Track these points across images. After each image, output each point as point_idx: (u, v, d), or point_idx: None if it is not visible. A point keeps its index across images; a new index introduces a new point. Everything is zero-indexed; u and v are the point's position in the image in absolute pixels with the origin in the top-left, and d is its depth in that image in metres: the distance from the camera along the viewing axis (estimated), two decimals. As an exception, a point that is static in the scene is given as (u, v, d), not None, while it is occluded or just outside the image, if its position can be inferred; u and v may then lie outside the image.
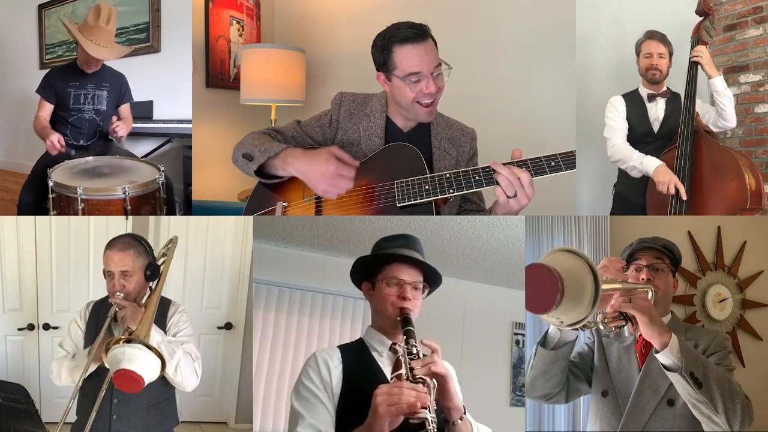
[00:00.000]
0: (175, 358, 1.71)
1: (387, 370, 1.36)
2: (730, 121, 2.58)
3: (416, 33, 1.75)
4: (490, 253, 2.75)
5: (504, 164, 1.64)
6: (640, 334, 1.49)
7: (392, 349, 1.39)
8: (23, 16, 3.80)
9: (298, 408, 1.30)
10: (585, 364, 1.74)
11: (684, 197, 2.38)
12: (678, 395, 1.45)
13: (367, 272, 1.45)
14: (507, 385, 3.09)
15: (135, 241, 1.81)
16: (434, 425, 1.15)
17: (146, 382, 1.49)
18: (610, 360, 1.69)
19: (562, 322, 1.20)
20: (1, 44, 3.76)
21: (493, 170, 1.65)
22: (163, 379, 1.71)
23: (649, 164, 2.49)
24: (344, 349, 1.41)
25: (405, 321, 1.35)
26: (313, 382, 1.32)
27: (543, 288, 1.14)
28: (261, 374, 2.68)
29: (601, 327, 1.45)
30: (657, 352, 1.40)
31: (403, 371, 1.25)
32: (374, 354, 1.40)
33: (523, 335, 3.10)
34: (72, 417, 1.79)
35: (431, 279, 1.46)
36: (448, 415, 1.27)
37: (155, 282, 1.80)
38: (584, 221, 2.68)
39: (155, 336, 1.68)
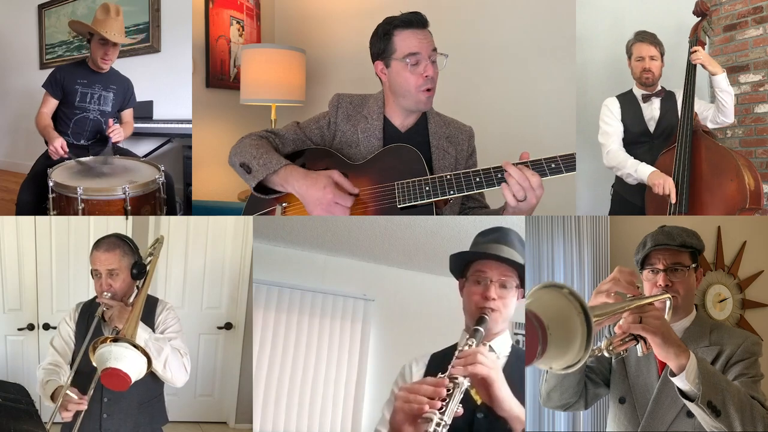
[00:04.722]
0: (163, 354, 1.73)
1: None
2: (729, 116, 2.58)
3: (418, 19, 1.83)
4: (490, 253, 2.74)
5: (515, 164, 1.62)
6: None
7: None
8: (23, 16, 3.79)
9: (384, 411, 1.34)
10: (603, 367, 1.63)
11: (673, 201, 2.37)
12: None
13: (461, 269, 1.39)
14: (507, 385, 3.09)
15: (121, 241, 1.85)
16: (440, 428, 1.08)
17: (133, 380, 1.54)
18: (628, 364, 1.58)
19: (551, 367, 1.06)
20: (1, 44, 3.76)
21: (504, 170, 1.63)
22: (152, 377, 1.73)
23: (643, 172, 2.50)
24: (434, 354, 1.40)
25: (479, 320, 1.29)
26: (397, 386, 1.35)
27: (531, 334, 0.98)
28: (261, 374, 2.68)
29: (606, 354, 1.30)
30: (673, 375, 1.29)
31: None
32: None
33: (523, 335, 3.09)
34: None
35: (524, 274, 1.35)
36: (510, 425, 1.17)
37: (142, 281, 1.83)
38: (584, 221, 2.67)
39: (142, 334, 1.71)
